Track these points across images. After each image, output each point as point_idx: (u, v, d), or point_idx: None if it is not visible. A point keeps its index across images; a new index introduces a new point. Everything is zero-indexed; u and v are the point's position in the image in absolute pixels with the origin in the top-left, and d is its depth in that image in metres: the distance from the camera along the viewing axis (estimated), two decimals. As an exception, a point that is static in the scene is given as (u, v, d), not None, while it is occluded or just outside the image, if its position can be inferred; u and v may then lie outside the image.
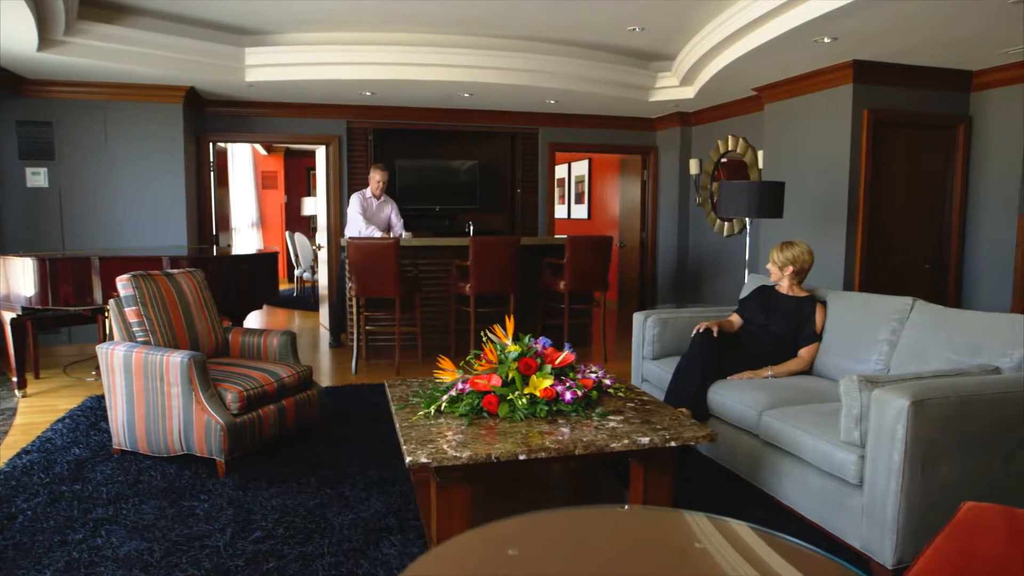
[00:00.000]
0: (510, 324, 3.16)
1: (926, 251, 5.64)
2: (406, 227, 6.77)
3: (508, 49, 6.04)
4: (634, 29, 5.62)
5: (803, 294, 3.85)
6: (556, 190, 11.08)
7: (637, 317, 4.36)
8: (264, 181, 11.83)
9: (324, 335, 7.60)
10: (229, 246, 7.84)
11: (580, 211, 10.41)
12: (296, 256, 10.26)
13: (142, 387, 3.56)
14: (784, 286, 3.87)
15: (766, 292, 3.95)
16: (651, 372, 4.20)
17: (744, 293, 4.27)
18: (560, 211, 10.97)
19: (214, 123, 7.05)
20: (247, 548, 2.75)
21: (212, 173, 7.11)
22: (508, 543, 1.08)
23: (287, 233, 10.82)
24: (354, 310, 5.91)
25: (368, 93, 6.69)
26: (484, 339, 3.14)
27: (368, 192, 6.56)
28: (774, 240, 6.17)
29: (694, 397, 3.59)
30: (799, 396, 3.29)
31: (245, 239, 10.96)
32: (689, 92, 6.55)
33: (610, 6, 5.05)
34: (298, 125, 7.27)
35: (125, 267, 4.56)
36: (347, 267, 5.77)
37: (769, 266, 3.88)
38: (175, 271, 4.07)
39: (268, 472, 3.52)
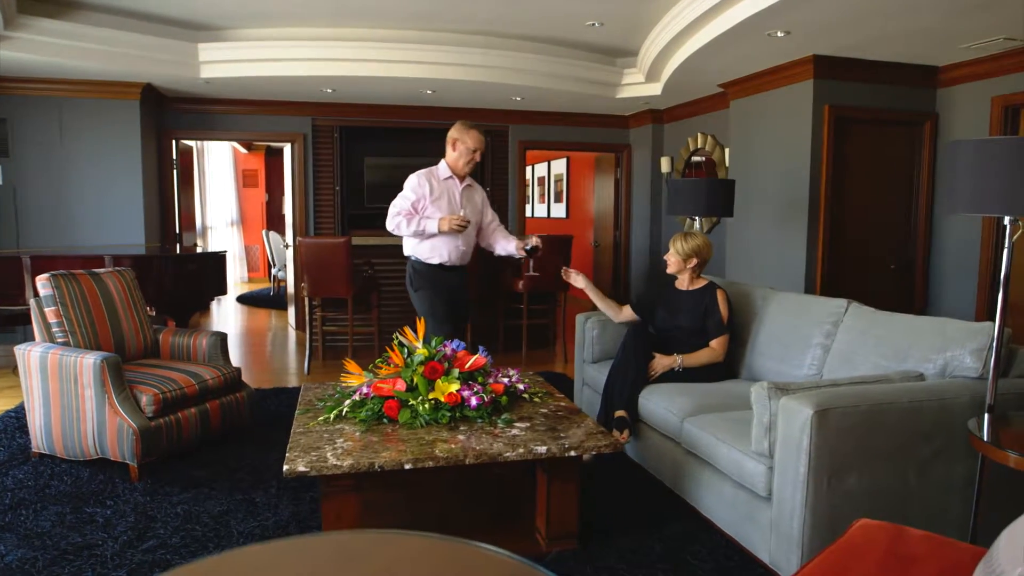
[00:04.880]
0: (420, 326, 3.05)
1: (892, 251, 5.48)
2: (370, 225, 6.52)
3: (467, 45, 5.92)
4: (593, 24, 5.50)
5: (702, 283, 3.77)
6: (537, 188, 10.98)
7: (579, 319, 4.24)
8: (245, 179, 11.75)
9: (292, 335, 7.52)
10: (195, 245, 7.76)
11: (559, 210, 10.29)
12: (272, 255, 10.18)
13: (58, 389, 3.47)
14: (684, 280, 3.78)
15: (667, 292, 3.87)
16: (591, 376, 4.08)
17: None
18: (540, 210, 10.85)
19: (176, 120, 6.96)
20: (135, 558, 2.65)
21: (175, 171, 7.03)
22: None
23: (263, 232, 10.74)
24: (306, 310, 5.81)
25: (329, 90, 6.58)
26: (394, 341, 3.04)
27: (441, 169, 3.96)
28: (738, 241, 6.06)
29: (630, 399, 3.47)
30: (724, 402, 3.16)
31: (223, 238, 10.90)
32: (656, 89, 6.41)
33: (565, 1, 4.93)
34: (263, 122, 7.18)
35: (59, 267, 4.48)
36: (300, 266, 5.68)
37: (671, 257, 3.75)
38: (101, 270, 3.98)
39: (183, 476, 3.43)
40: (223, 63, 5.83)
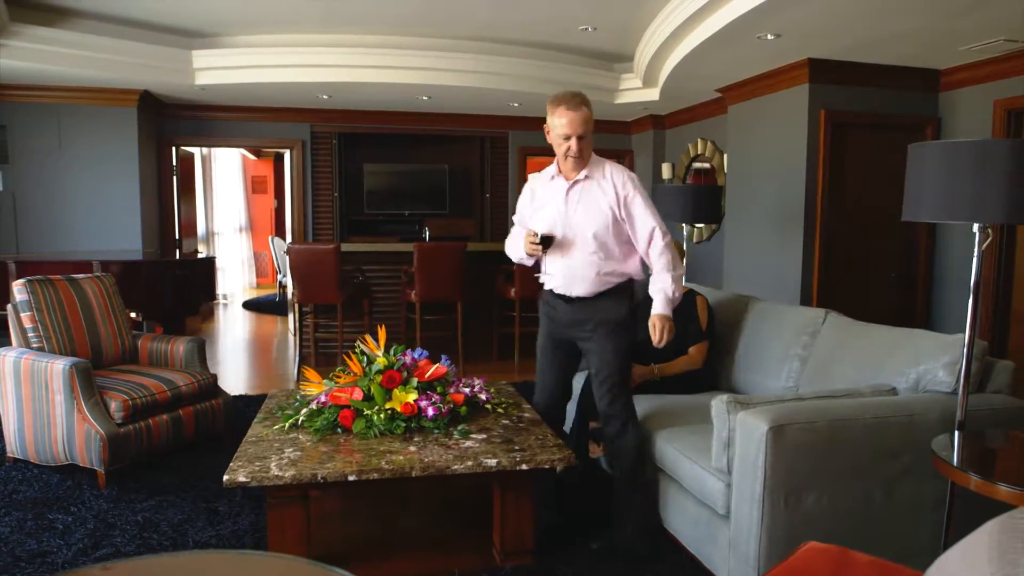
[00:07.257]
0: (382, 333, 3.01)
1: (893, 260, 5.33)
2: (369, 231, 6.48)
3: (461, 51, 5.89)
4: (586, 29, 5.44)
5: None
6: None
7: (560, 327, 4.15)
8: (254, 185, 11.83)
9: (291, 340, 7.52)
10: (195, 251, 7.80)
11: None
12: (278, 261, 10.22)
13: (30, 394, 3.47)
14: None
15: (647, 302, 3.75)
16: (574, 387, 3.98)
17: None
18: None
19: (175, 127, 7.01)
20: (86, 565, 2.62)
21: (174, 177, 7.07)
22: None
23: (269, 238, 10.79)
24: (297, 316, 5.80)
25: (325, 96, 6.59)
26: (356, 349, 2.99)
27: (551, 167, 2.88)
28: (735, 250, 5.93)
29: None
30: (697, 415, 3.05)
31: (231, 244, 10.96)
32: (653, 94, 6.32)
33: (555, 5, 4.88)
34: (261, 129, 7.21)
35: (45, 272, 4.50)
36: (290, 273, 5.67)
37: None
38: (80, 276, 3.99)
39: (151, 483, 3.40)
40: (217, 70, 5.86)
